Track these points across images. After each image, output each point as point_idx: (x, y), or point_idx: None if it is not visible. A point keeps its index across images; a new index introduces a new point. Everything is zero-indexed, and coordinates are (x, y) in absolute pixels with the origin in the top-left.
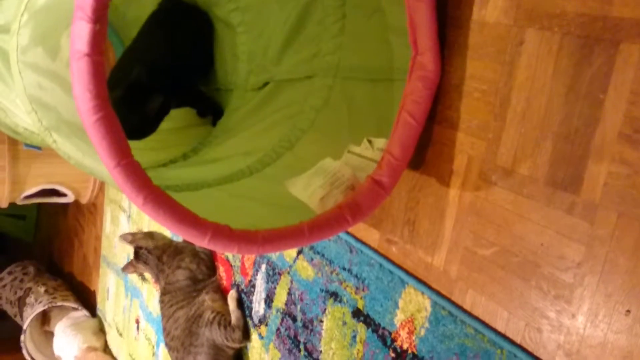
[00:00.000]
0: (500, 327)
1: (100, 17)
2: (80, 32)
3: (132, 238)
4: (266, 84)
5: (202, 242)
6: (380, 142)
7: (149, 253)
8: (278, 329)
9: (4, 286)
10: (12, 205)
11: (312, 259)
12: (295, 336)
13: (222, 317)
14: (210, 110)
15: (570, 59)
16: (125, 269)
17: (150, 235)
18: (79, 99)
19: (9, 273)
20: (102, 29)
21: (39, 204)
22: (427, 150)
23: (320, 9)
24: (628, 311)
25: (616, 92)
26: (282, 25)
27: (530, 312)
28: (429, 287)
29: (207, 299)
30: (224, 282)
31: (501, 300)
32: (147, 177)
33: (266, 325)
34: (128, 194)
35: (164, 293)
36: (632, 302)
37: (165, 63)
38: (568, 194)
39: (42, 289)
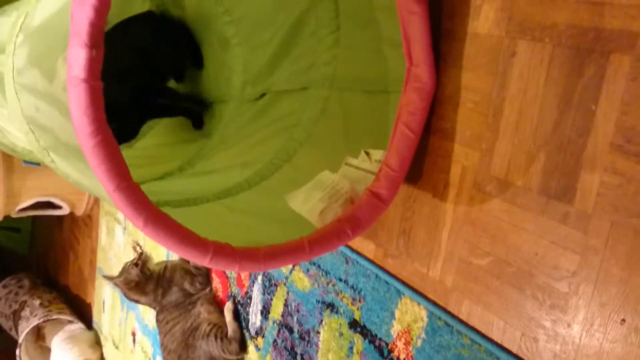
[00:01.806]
0: (496, 337)
1: (97, 42)
2: (77, 58)
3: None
4: (263, 95)
5: (203, 262)
6: (377, 154)
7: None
8: (275, 341)
9: None
10: (7, 217)
11: (308, 270)
12: (292, 347)
13: (219, 329)
14: (195, 115)
15: (561, 69)
16: (109, 279)
17: (140, 280)
18: (77, 124)
19: (4, 286)
20: (98, 54)
21: (34, 216)
22: (422, 160)
23: (314, 21)
24: (623, 320)
25: (607, 102)
26: (275, 37)
27: (526, 321)
28: (425, 298)
29: (202, 310)
30: (220, 294)
31: (497, 310)
32: (147, 198)
33: (263, 336)
34: (128, 216)
35: (159, 312)
36: (627, 311)
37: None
38: (562, 203)
39: (37, 302)
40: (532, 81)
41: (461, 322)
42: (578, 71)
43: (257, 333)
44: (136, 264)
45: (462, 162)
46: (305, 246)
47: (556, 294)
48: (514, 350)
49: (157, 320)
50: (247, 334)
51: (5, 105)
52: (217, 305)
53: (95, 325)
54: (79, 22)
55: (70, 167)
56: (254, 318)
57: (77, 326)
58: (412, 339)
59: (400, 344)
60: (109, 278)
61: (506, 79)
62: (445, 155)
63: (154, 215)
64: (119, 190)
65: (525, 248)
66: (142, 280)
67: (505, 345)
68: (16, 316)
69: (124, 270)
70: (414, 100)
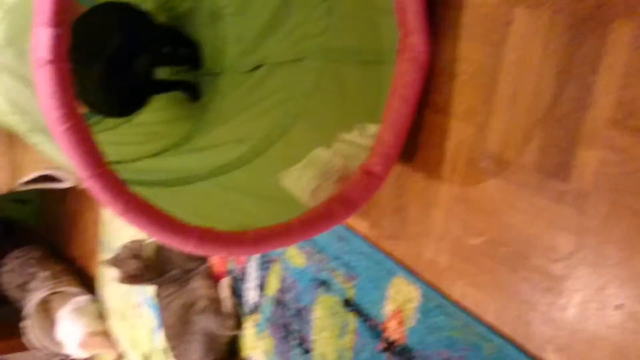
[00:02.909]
0: (489, 319)
1: (62, 20)
2: (41, 38)
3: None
4: (258, 66)
5: (187, 247)
6: (371, 129)
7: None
8: (271, 317)
9: (10, 271)
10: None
11: (302, 247)
12: (288, 324)
13: (216, 304)
14: (190, 87)
15: (559, 39)
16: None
17: (140, 254)
18: (45, 107)
19: (15, 257)
20: (63, 33)
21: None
22: (416, 135)
23: None
24: (621, 305)
25: (607, 74)
26: (267, 6)
27: (520, 304)
28: (418, 277)
29: (199, 286)
30: (217, 270)
31: (490, 292)
32: (124, 185)
33: (259, 312)
34: (105, 203)
35: (157, 287)
36: (625, 295)
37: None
38: (558, 181)
39: (45, 274)
40: (529, 51)
41: (454, 303)
42: (577, 40)
43: (253, 309)
44: (135, 256)
45: (457, 137)
46: (296, 228)
47: (551, 276)
48: (508, 332)
49: (157, 296)
50: (244, 310)
51: None
52: (214, 280)
53: (100, 297)
54: (42, 0)
55: (55, 150)
56: (251, 294)
57: (84, 298)
58: (405, 319)
59: (393, 324)
60: (110, 264)
61: (502, 49)
62: (439, 130)
63: (132, 202)
64: (94, 178)
65: (519, 228)
66: (141, 273)
67: (499, 327)
68: (25, 288)
69: (121, 260)
70: (408, 71)
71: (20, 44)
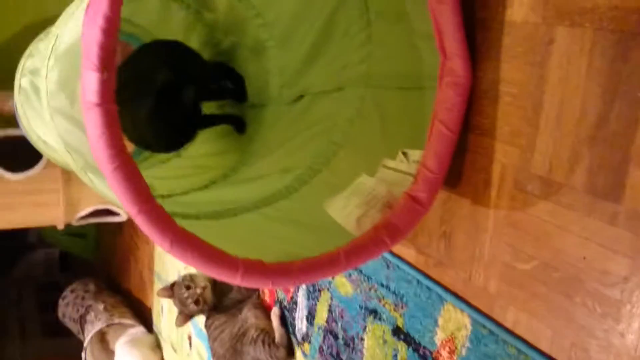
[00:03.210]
0: (544, 347)
1: (108, 65)
2: (89, 82)
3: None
4: (301, 97)
5: (234, 280)
6: (415, 154)
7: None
8: (321, 347)
9: (67, 304)
10: (71, 225)
11: (350, 275)
12: (338, 354)
13: (266, 334)
14: (237, 120)
15: (604, 56)
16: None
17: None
18: (95, 148)
19: (72, 291)
20: (110, 76)
21: (99, 223)
22: (461, 159)
23: (345, 19)
24: None
25: None
26: (308, 37)
27: (576, 330)
28: (468, 304)
29: (250, 316)
30: (267, 299)
31: (544, 318)
32: (171, 220)
33: (309, 342)
34: (153, 238)
35: (207, 317)
36: None
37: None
38: (609, 202)
39: (101, 307)
40: (572, 70)
41: (507, 330)
42: (622, 57)
43: (303, 339)
44: (188, 287)
45: (502, 160)
46: (341, 258)
47: (607, 301)
48: None
49: (206, 326)
50: (294, 340)
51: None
52: (264, 310)
53: (155, 329)
54: (89, 45)
55: (107, 188)
56: (300, 323)
57: (139, 330)
58: (456, 347)
59: (444, 353)
60: (164, 295)
61: (545, 70)
62: (484, 154)
63: (179, 236)
64: (142, 214)
65: (572, 251)
66: (194, 305)
67: (554, 355)
68: (82, 320)
69: (174, 291)
70: (449, 96)
71: (71, 87)
